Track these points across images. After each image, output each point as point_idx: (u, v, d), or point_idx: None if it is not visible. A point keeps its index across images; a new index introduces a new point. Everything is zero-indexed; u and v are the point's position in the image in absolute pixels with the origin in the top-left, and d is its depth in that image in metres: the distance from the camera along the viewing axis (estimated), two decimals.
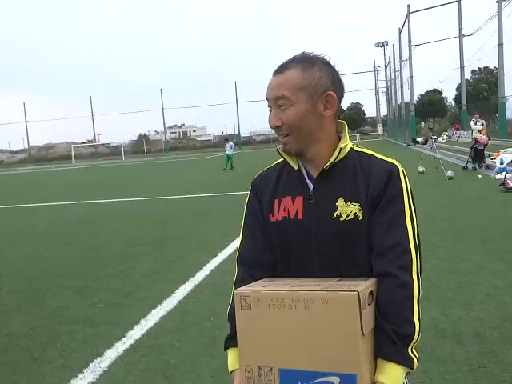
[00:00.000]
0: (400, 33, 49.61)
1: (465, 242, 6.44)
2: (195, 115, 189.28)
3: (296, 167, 1.46)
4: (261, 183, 1.54)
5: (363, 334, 1.17)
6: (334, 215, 1.36)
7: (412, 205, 1.36)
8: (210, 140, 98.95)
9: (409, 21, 43.31)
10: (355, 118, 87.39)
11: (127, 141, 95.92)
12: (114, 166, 46.59)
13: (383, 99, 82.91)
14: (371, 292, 1.25)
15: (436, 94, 61.63)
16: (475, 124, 18.80)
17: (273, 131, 1.45)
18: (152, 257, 6.82)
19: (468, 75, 43.70)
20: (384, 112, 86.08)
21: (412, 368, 1.25)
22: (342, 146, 1.40)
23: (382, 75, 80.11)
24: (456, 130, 35.61)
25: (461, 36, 37.64)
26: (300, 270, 1.40)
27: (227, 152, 26.03)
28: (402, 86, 52.25)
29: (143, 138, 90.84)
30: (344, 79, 1.46)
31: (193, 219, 10.04)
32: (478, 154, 15.59)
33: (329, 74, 1.39)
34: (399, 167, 1.38)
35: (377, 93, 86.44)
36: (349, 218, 1.35)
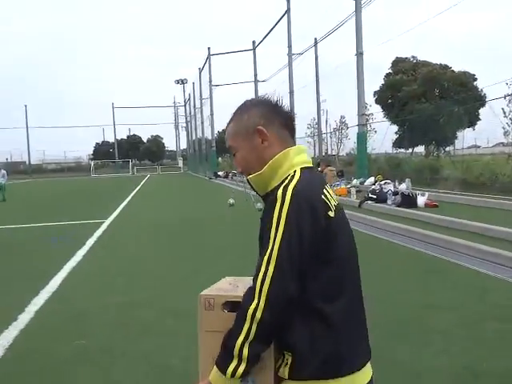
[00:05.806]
0: (200, 72, 51.93)
1: None
2: None
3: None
4: None
5: (205, 331, 1.44)
6: None
7: (282, 223, 1.35)
8: None
9: (209, 62, 45.72)
10: (154, 150, 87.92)
11: None
12: None
13: (183, 133, 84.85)
14: (228, 302, 1.43)
15: None
16: None
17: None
18: None
19: None
20: (184, 146, 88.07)
21: (223, 373, 1.33)
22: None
23: (181, 110, 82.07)
24: None
25: (256, 81, 41.08)
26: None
27: None
28: (202, 123, 54.41)
29: None
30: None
31: None
32: None
33: (257, 111, 1.54)
34: (280, 191, 1.39)
35: (177, 127, 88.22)
36: None
